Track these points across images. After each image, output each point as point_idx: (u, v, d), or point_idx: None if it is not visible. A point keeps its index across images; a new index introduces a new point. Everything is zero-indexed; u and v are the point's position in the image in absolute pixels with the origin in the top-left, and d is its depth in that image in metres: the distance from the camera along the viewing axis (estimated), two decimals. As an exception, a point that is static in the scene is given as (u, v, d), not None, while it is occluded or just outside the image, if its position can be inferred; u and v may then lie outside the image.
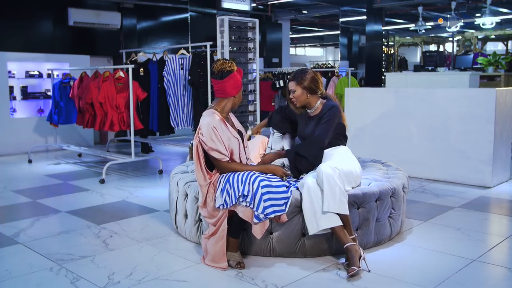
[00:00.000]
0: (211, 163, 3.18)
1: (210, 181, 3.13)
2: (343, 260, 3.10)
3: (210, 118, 3.11)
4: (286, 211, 3.05)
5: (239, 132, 3.29)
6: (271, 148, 4.07)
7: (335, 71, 10.31)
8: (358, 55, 18.00)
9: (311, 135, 3.43)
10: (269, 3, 13.78)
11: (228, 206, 3.01)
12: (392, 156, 5.47)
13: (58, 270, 3.10)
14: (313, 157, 3.37)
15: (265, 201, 2.92)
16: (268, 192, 2.94)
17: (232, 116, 3.36)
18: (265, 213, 2.93)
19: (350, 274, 2.86)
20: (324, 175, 3.03)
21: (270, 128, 4.25)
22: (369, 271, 2.99)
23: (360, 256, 2.98)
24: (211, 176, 3.15)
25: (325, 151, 3.43)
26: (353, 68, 13.78)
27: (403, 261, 3.22)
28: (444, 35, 18.18)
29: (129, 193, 5.20)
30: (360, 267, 2.92)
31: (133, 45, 10.01)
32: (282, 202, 3.03)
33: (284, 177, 3.21)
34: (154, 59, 7.23)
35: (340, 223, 3.03)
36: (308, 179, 3.15)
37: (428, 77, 8.13)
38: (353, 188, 3.35)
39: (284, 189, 3.08)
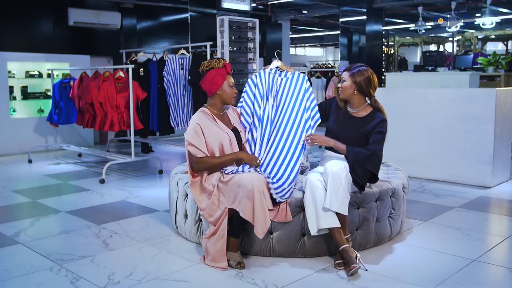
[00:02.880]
0: None
1: (194, 180, 3.20)
2: (338, 260, 3.10)
3: (198, 115, 3.22)
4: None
5: (235, 129, 3.32)
6: None
7: (335, 71, 10.31)
8: (358, 55, 17.98)
9: (347, 135, 3.31)
10: (269, 3, 13.78)
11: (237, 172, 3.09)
12: (392, 156, 5.46)
13: (58, 270, 3.10)
14: (376, 171, 3.27)
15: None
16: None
17: (230, 113, 3.40)
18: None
19: (352, 272, 2.87)
20: (331, 173, 3.04)
21: None
22: (366, 269, 3.00)
23: (356, 256, 3.00)
24: (195, 177, 3.19)
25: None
26: (353, 68, 13.67)
27: (403, 261, 3.22)
28: (444, 35, 18.19)
29: (129, 193, 5.20)
30: (358, 265, 2.93)
31: (133, 45, 10.01)
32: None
33: (258, 163, 3.20)
34: (154, 59, 7.23)
35: (338, 225, 3.03)
36: (312, 176, 3.15)
37: (428, 77, 8.13)
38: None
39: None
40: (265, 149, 3.37)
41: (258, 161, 3.20)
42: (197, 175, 3.21)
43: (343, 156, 3.32)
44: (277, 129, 3.41)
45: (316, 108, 3.44)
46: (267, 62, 13.99)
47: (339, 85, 3.42)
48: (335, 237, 3.04)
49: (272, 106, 3.51)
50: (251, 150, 3.45)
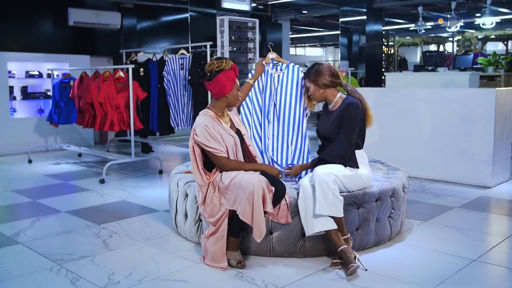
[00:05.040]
0: (209, 164, 3.20)
1: (208, 181, 3.15)
2: (335, 260, 3.10)
3: (202, 118, 3.17)
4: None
5: (238, 132, 3.30)
6: None
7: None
8: (358, 55, 18.01)
9: (328, 132, 3.33)
10: (269, 3, 13.79)
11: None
12: (392, 156, 5.46)
13: (58, 270, 3.10)
14: (337, 160, 3.25)
15: None
16: None
17: (232, 115, 3.38)
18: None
19: (351, 271, 2.87)
20: (317, 179, 3.03)
21: None
22: (366, 269, 3.00)
23: (355, 257, 3.00)
24: (209, 176, 3.17)
25: None
26: (353, 68, 13.75)
27: (403, 261, 3.22)
28: (444, 35, 18.20)
29: (129, 193, 5.20)
30: (357, 264, 2.94)
31: (133, 45, 10.01)
32: None
33: (280, 176, 3.26)
34: (154, 59, 7.23)
35: (334, 226, 3.03)
36: (305, 180, 3.16)
37: (428, 77, 8.14)
38: (360, 190, 3.35)
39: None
40: (274, 144, 3.76)
41: (280, 175, 3.28)
42: (211, 176, 3.19)
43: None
44: (281, 125, 3.75)
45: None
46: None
47: (308, 93, 3.46)
48: (332, 238, 3.05)
49: (273, 104, 3.75)
50: (259, 148, 3.76)
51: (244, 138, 3.35)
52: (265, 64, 3.77)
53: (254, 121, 3.79)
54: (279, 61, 3.80)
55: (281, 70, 3.77)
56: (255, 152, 3.44)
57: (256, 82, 3.81)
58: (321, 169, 3.09)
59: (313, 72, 3.38)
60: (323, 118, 3.46)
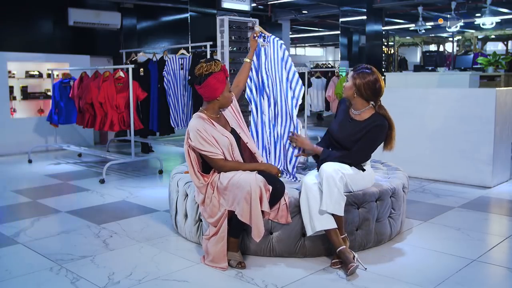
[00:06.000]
0: (207, 165, 3.19)
1: (207, 182, 3.14)
2: (334, 260, 3.10)
3: (195, 122, 3.15)
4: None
5: (233, 131, 3.29)
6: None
7: (335, 71, 10.29)
8: (358, 55, 17.99)
9: (345, 141, 3.29)
10: (269, 3, 13.79)
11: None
12: (392, 156, 5.45)
13: (58, 270, 3.10)
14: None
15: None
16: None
17: (228, 115, 3.35)
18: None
19: (351, 270, 2.87)
20: (325, 175, 3.04)
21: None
22: (365, 269, 3.01)
23: (354, 257, 3.01)
24: (207, 177, 3.17)
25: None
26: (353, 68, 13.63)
27: (403, 261, 3.22)
28: (444, 35, 18.20)
29: (129, 193, 5.20)
30: (356, 263, 2.94)
31: (133, 45, 10.01)
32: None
33: (279, 175, 3.24)
34: (154, 59, 7.23)
35: (335, 226, 3.03)
36: (308, 178, 3.16)
37: (428, 77, 8.13)
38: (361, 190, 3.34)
39: None
40: (269, 120, 3.77)
41: (279, 173, 3.26)
42: (208, 177, 3.18)
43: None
44: (272, 100, 3.75)
45: (296, 76, 3.71)
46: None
47: (344, 83, 3.40)
48: (332, 238, 3.05)
49: (264, 78, 3.77)
50: (256, 128, 3.81)
51: (241, 136, 3.33)
52: (256, 37, 3.74)
53: (252, 96, 3.83)
54: (264, 33, 3.81)
55: (268, 42, 3.77)
56: (255, 149, 3.41)
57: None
58: (328, 166, 3.09)
59: (361, 73, 3.27)
60: (343, 123, 3.36)
